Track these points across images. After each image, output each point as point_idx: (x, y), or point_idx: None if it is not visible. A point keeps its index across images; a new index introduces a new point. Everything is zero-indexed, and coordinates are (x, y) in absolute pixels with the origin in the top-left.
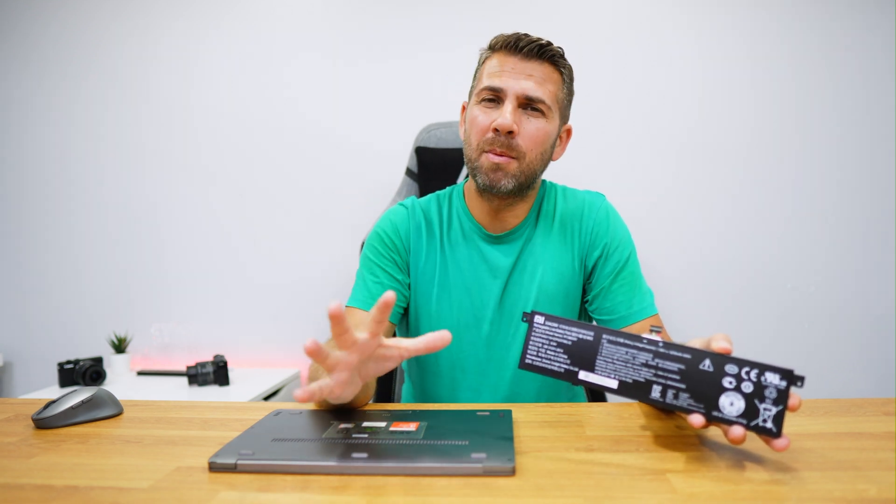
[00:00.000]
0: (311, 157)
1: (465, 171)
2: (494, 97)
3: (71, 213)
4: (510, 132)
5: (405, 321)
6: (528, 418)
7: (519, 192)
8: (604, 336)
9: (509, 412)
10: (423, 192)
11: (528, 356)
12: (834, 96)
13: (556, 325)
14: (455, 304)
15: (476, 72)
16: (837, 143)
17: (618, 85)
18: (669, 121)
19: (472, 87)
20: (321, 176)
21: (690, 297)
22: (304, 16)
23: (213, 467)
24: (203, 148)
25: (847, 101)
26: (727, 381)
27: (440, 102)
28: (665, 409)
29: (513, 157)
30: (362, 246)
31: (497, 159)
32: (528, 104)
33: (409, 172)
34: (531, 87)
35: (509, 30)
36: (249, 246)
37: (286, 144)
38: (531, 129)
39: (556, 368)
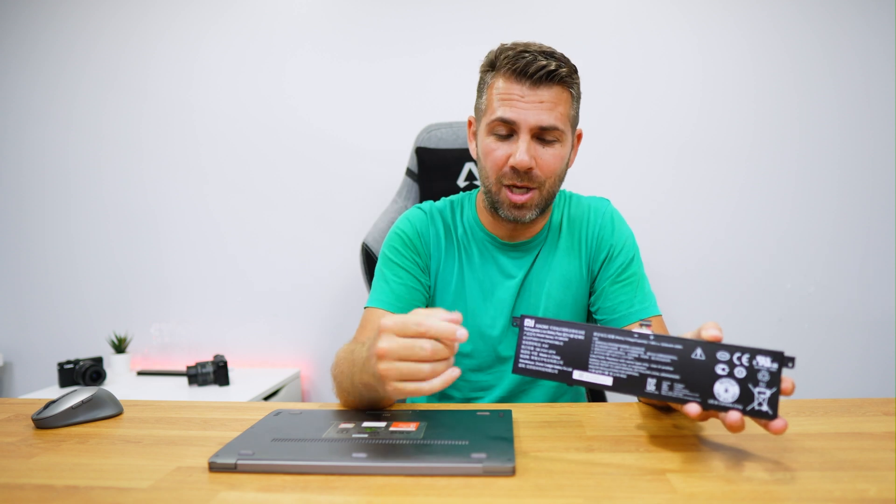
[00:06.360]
0: (311, 157)
1: (465, 172)
2: (507, 129)
3: (71, 212)
4: (528, 168)
5: None
6: (528, 418)
7: (540, 215)
8: (595, 334)
9: (509, 412)
10: (423, 193)
11: (520, 360)
12: (835, 98)
13: (546, 326)
14: (470, 311)
15: (481, 89)
16: (838, 144)
17: (619, 87)
18: (670, 123)
19: (479, 107)
20: (321, 176)
21: (691, 298)
22: (304, 17)
23: (213, 467)
24: (203, 148)
25: (848, 103)
26: (720, 368)
27: (440, 102)
28: (663, 405)
29: (533, 188)
30: (363, 247)
31: (519, 199)
32: (541, 133)
33: (409, 173)
34: (544, 118)
35: (513, 31)
36: (249, 245)
37: (285, 145)
38: (548, 159)
39: (549, 370)
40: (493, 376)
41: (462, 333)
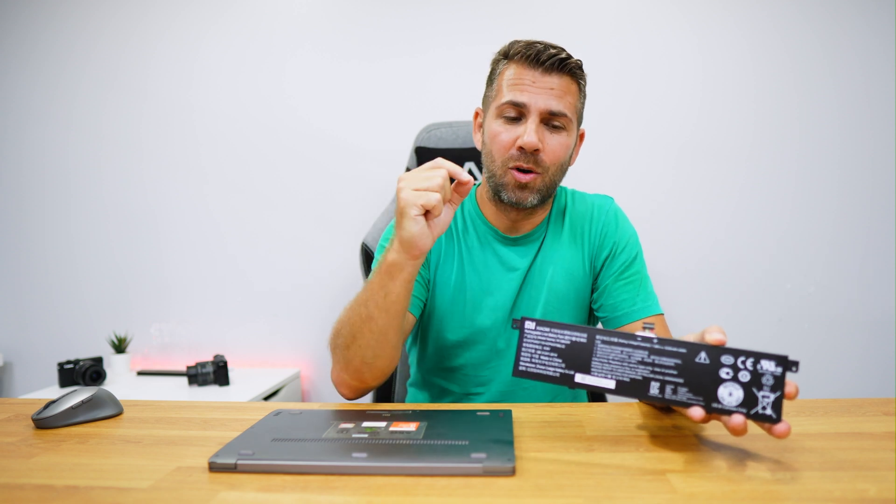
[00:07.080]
0: (311, 157)
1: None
2: (516, 112)
3: (71, 212)
4: (536, 150)
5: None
6: (528, 418)
7: (541, 203)
8: (597, 337)
9: (509, 412)
10: None
11: (521, 363)
12: (835, 98)
13: (547, 329)
14: (469, 305)
15: (491, 79)
16: (838, 144)
17: (619, 87)
18: (670, 123)
19: (488, 95)
20: (321, 176)
21: (691, 298)
22: (304, 17)
23: (213, 467)
24: (203, 148)
25: (848, 103)
26: (724, 372)
27: (440, 102)
28: (664, 405)
29: (538, 173)
30: (363, 247)
31: (524, 179)
32: (549, 119)
33: None
34: (553, 103)
35: (514, 31)
36: (249, 245)
37: (285, 145)
38: (554, 145)
39: (551, 373)
40: (491, 370)
41: (468, 177)
